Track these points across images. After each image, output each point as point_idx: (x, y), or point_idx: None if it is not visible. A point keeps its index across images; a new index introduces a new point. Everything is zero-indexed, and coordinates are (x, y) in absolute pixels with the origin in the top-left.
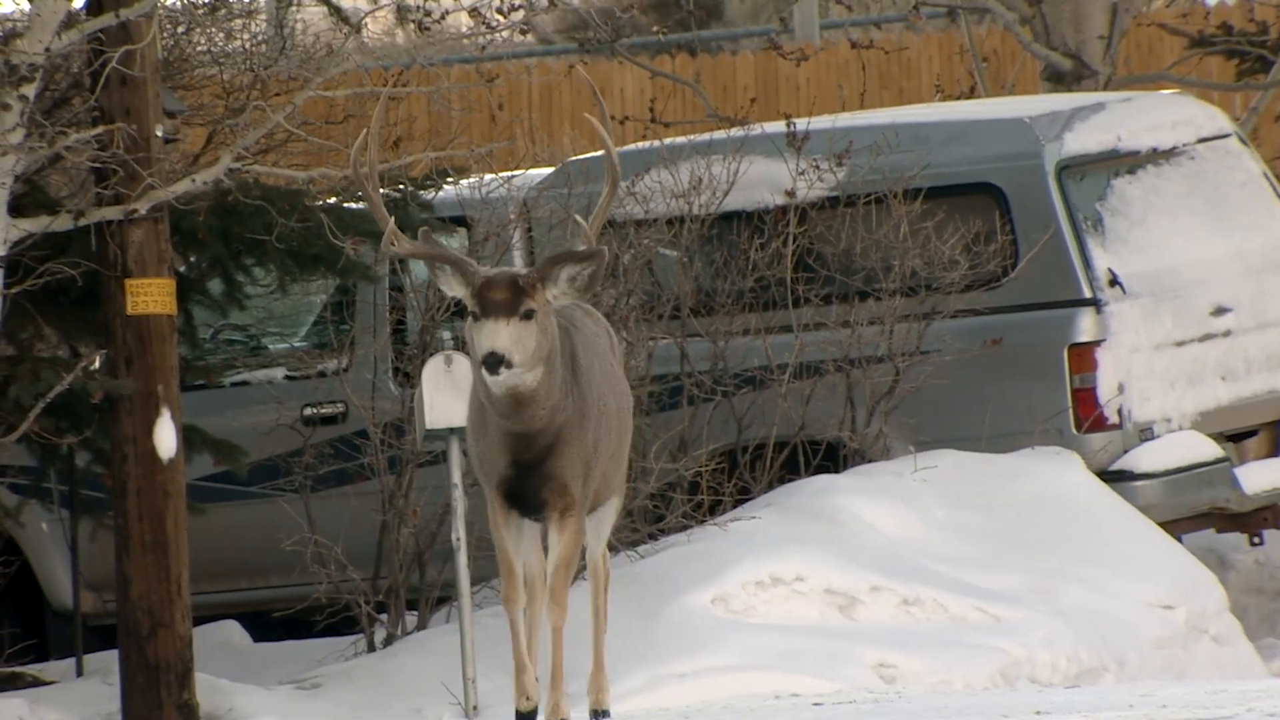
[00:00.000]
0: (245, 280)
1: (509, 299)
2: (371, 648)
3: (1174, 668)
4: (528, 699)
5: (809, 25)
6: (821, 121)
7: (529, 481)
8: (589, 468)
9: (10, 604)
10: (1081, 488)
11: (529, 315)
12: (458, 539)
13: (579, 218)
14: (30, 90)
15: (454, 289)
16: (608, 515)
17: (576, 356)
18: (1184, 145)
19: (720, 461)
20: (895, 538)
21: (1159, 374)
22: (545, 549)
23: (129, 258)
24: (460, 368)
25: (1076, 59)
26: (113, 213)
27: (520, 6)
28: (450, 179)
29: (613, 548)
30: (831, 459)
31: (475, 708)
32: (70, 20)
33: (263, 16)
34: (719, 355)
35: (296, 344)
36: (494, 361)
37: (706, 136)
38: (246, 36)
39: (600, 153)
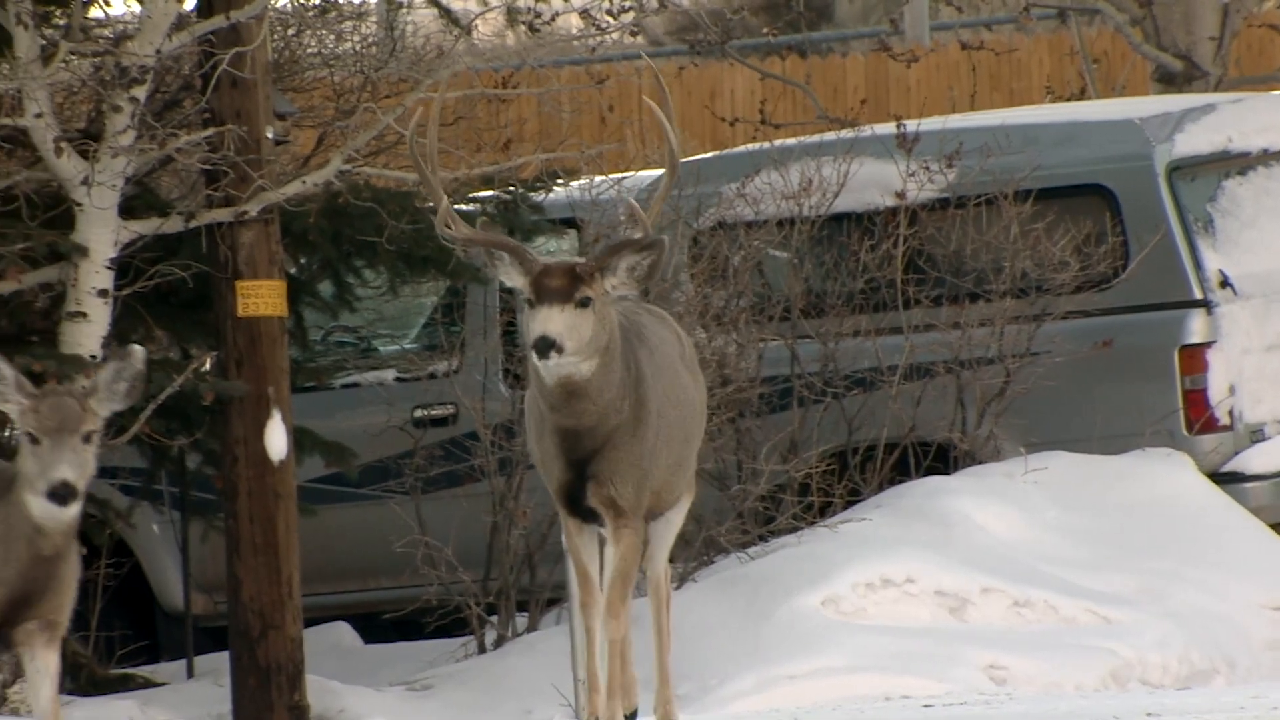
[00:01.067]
0: (356, 282)
1: (565, 285)
2: (482, 649)
3: None
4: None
5: (919, 27)
6: (932, 123)
7: (582, 484)
8: (644, 477)
9: (122, 606)
10: (1192, 489)
11: (585, 303)
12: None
13: (635, 203)
14: (141, 92)
15: (511, 278)
16: (671, 527)
17: (640, 366)
18: None
19: (830, 463)
20: (1006, 539)
21: (1270, 375)
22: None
23: (240, 259)
24: None
25: (1187, 60)
26: (223, 215)
27: (630, 8)
28: (560, 181)
29: (723, 549)
30: (942, 460)
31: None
32: (181, 22)
33: (373, 18)
34: (829, 357)
35: (407, 346)
36: (544, 346)
37: (817, 138)
38: (357, 38)
39: (711, 154)
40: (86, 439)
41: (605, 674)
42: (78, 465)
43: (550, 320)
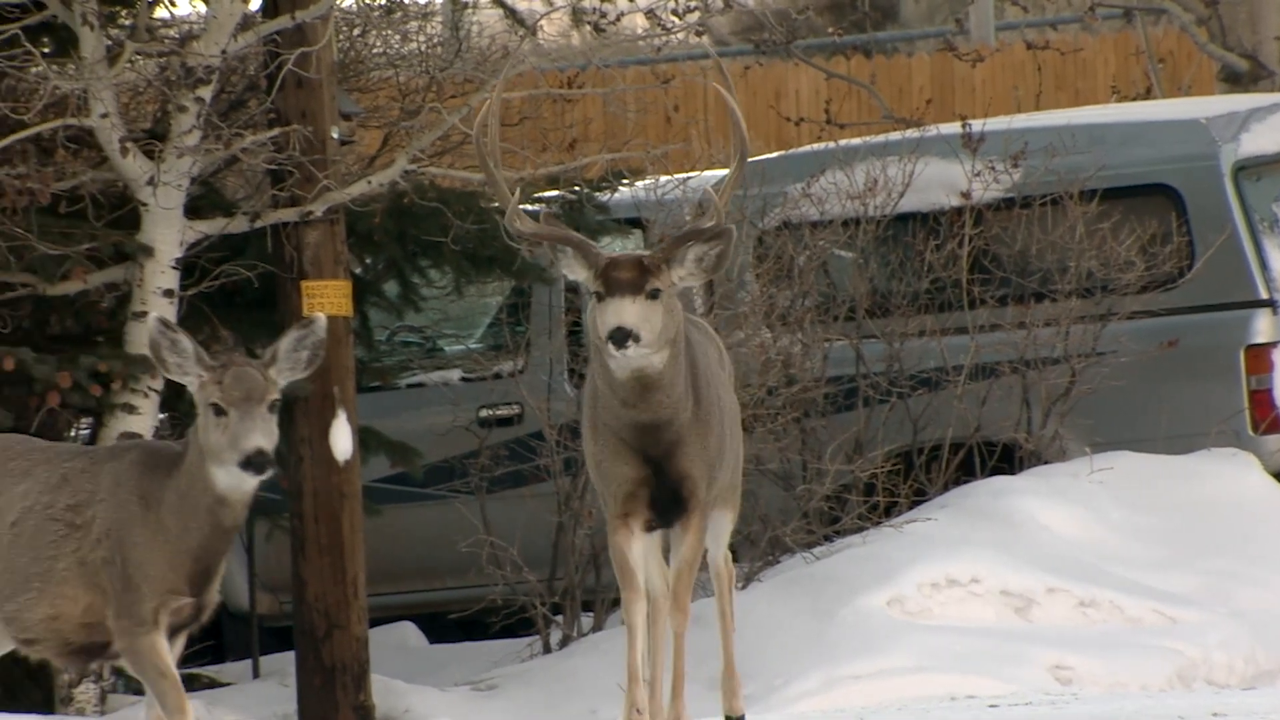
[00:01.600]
0: (421, 282)
1: (635, 277)
2: (547, 649)
3: None
4: (638, 711)
5: (984, 26)
6: (997, 123)
7: (661, 483)
8: (713, 470)
9: None
10: (1258, 489)
11: (655, 294)
12: None
13: (710, 190)
14: (206, 93)
15: (576, 272)
16: (724, 522)
17: (696, 360)
18: None
19: (896, 463)
20: (1071, 539)
21: None
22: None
23: (305, 259)
24: None
25: (1253, 60)
26: (289, 215)
27: (696, 8)
28: (625, 181)
29: (788, 549)
30: (1007, 460)
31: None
32: (246, 23)
33: (438, 19)
34: (894, 356)
35: (472, 346)
36: (621, 336)
37: (882, 138)
38: (422, 39)
39: (776, 154)
40: (271, 408)
41: (647, 668)
42: (268, 434)
43: (623, 311)
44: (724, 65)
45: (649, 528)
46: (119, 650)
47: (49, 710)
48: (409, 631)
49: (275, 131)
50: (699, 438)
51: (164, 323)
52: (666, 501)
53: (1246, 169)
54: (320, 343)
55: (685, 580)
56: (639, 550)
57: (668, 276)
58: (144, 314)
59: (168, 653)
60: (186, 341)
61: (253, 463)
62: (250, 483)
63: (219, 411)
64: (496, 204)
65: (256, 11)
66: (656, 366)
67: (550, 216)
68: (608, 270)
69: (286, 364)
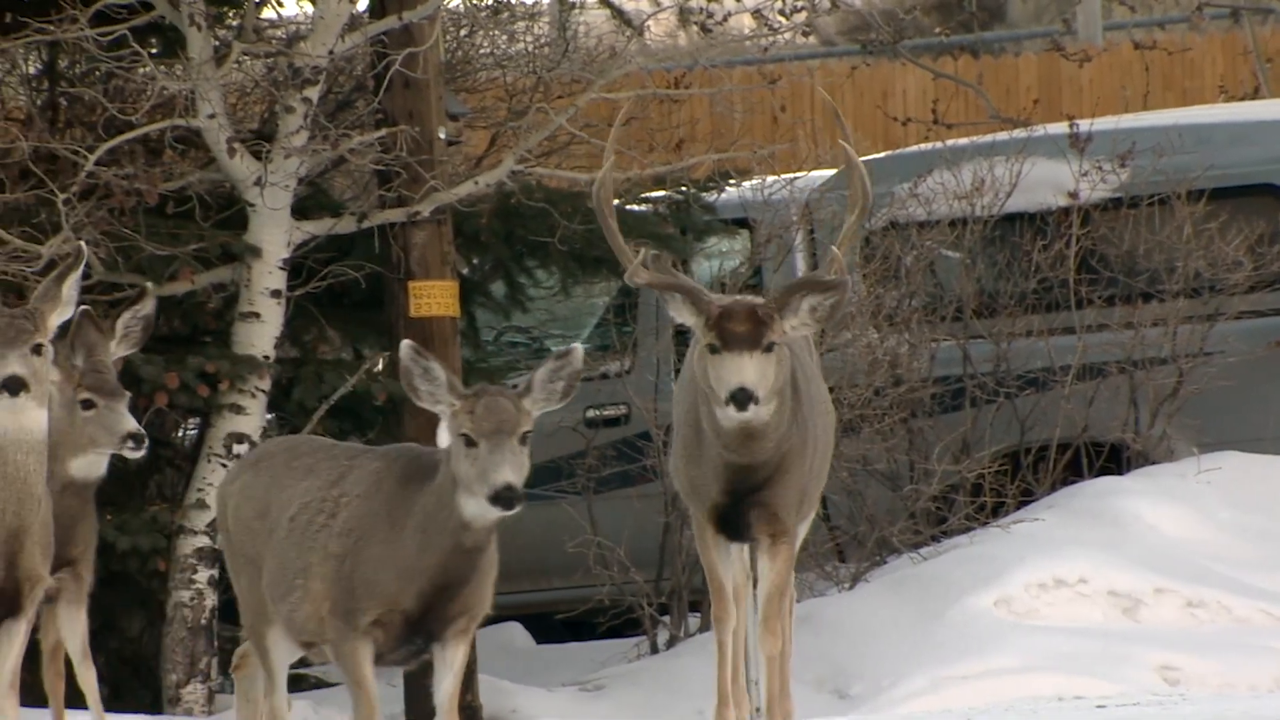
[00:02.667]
0: (528, 282)
1: (750, 331)
2: (654, 649)
3: None
4: None
5: (1092, 26)
6: (1104, 123)
7: (741, 510)
8: (803, 495)
9: None
10: None
11: (770, 349)
12: None
13: (837, 251)
14: (314, 93)
15: (684, 316)
16: (799, 537)
17: (798, 381)
18: None
19: (1003, 463)
20: (1179, 539)
21: None
22: (752, 576)
23: (412, 260)
24: None
25: None
26: (396, 215)
27: (803, 8)
28: (732, 181)
29: (895, 549)
30: (1115, 461)
31: (758, 710)
32: (353, 23)
33: (545, 19)
34: (1001, 357)
35: (579, 346)
36: (744, 398)
37: (989, 138)
38: (529, 39)
39: (883, 154)
40: (523, 440)
41: (766, 691)
42: (519, 467)
43: (744, 370)
44: (847, 130)
45: (741, 542)
46: (326, 646)
47: (157, 710)
48: (516, 632)
49: (382, 132)
50: (798, 465)
51: (416, 350)
52: (754, 526)
53: None
54: (577, 373)
55: (775, 605)
56: (727, 560)
57: (780, 327)
58: (253, 314)
59: (369, 662)
60: (439, 369)
61: (501, 498)
62: (497, 516)
63: (469, 442)
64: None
65: (363, 12)
66: (763, 418)
67: (660, 259)
68: (721, 321)
69: (541, 394)
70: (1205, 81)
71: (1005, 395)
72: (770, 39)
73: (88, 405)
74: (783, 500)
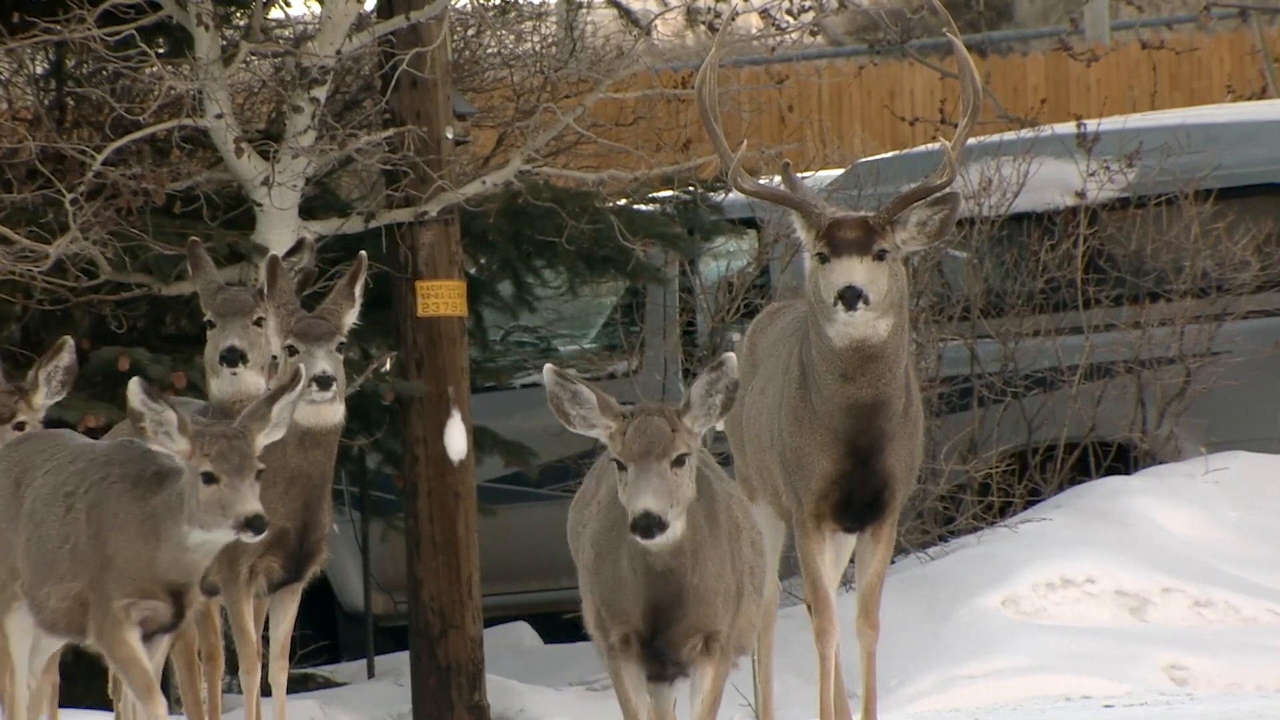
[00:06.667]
0: (535, 282)
1: (861, 236)
2: None
3: None
4: None
5: (1099, 26)
6: (1112, 122)
7: (863, 482)
8: (909, 476)
9: (302, 606)
10: None
11: (881, 255)
12: None
13: (945, 141)
14: (321, 93)
15: (797, 232)
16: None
17: (905, 362)
18: None
19: (1010, 463)
20: (1187, 539)
21: None
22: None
23: (419, 260)
24: None
25: None
26: (403, 215)
27: (810, 8)
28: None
29: (903, 549)
30: (1122, 460)
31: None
32: (361, 23)
33: (553, 19)
34: (1009, 356)
35: (586, 346)
36: (851, 296)
37: (996, 138)
38: (537, 39)
39: (890, 154)
40: (679, 462)
41: (864, 687)
42: (664, 493)
43: (853, 271)
44: (956, 41)
45: (844, 530)
46: None
47: None
48: (524, 631)
49: (390, 132)
50: (907, 436)
51: (560, 374)
52: (862, 504)
53: None
54: (734, 384)
55: (876, 593)
56: (830, 562)
57: (892, 238)
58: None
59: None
60: (587, 391)
61: (638, 525)
62: (649, 544)
63: (621, 466)
64: (610, 205)
65: (371, 12)
66: (881, 334)
67: (787, 171)
68: (832, 230)
69: (701, 410)
70: (1213, 81)
71: (1013, 395)
72: (778, 39)
73: None
74: (896, 466)
